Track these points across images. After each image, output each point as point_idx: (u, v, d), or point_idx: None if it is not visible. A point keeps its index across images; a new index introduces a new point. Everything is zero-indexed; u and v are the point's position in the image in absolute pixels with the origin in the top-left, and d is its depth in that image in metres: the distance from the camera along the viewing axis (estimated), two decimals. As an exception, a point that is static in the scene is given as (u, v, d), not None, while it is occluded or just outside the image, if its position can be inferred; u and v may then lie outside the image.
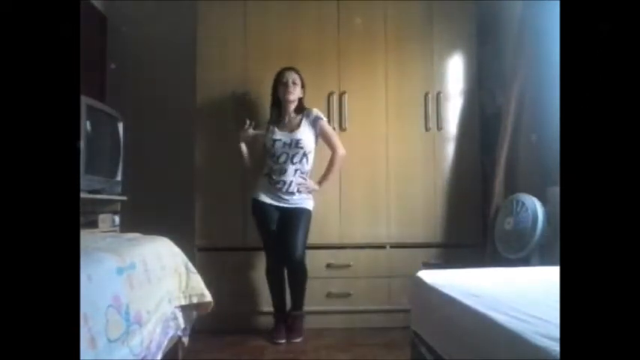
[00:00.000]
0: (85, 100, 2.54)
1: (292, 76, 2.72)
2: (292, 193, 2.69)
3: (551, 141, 2.58)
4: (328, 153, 2.80)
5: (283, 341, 2.61)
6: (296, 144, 2.67)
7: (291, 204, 2.70)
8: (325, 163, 2.80)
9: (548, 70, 2.63)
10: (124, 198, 2.95)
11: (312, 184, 2.75)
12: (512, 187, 2.82)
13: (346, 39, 3.06)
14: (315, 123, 2.74)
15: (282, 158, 2.68)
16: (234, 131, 2.81)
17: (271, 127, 2.75)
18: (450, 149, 3.08)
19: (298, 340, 2.63)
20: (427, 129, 3.05)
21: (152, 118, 3.51)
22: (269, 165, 2.74)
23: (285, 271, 2.69)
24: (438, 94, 3.07)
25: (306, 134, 2.71)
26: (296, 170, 2.69)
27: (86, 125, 2.56)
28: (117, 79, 3.53)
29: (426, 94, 3.06)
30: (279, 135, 2.70)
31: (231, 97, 2.99)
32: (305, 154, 2.71)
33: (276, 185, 2.69)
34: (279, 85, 2.73)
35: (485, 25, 3.24)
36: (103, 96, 3.38)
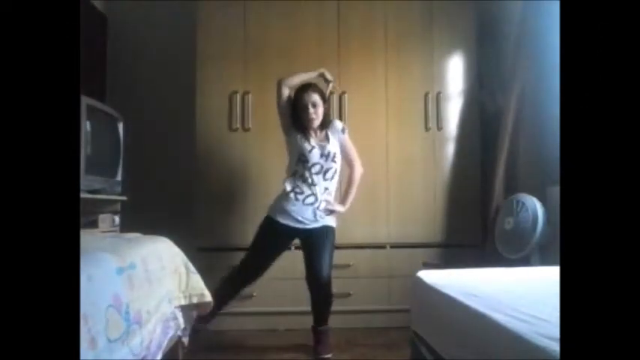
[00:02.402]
0: (85, 100, 2.54)
1: (312, 99, 2.44)
2: (320, 212, 2.47)
3: (551, 141, 2.59)
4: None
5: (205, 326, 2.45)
6: (332, 158, 2.46)
7: (315, 224, 2.47)
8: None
9: (548, 70, 2.63)
10: (124, 198, 2.95)
11: (337, 205, 2.55)
12: (512, 187, 2.82)
13: (346, 39, 3.06)
14: (340, 135, 2.54)
15: (316, 169, 2.45)
16: (234, 131, 2.81)
17: (300, 135, 2.48)
18: (450, 149, 3.08)
19: (329, 355, 2.44)
20: (427, 129, 3.05)
21: (152, 118, 3.51)
22: (299, 173, 2.47)
23: (310, 291, 2.51)
24: (438, 94, 3.07)
25: (336, 147, 2.50)
26: (326, 188, 2.49)
27: (86, 125, 2.56)
28: (117, 79, 3.52)
29: (426, 94, 3.06)
30: (314, 143, 2.46)
31: (231, 98, 2.99)
32: (336, 172, 2.52)
33: (305, 200, 2.44)
34: (300, 111, 2.46)
35: (485, 25, 3.24)
36: (103, 96, 3.37)
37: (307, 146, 2.45)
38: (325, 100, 2.56)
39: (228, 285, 2.53)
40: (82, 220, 2.52)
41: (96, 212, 2.71)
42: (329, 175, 2.49)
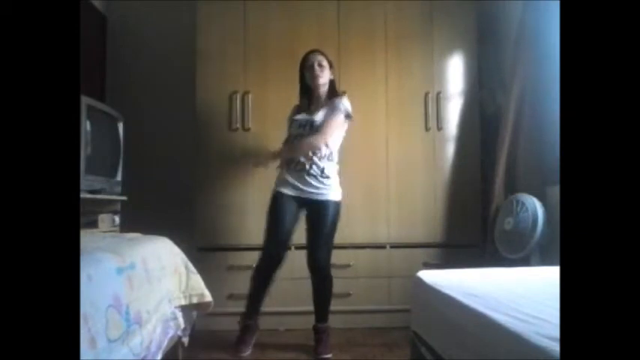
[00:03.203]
0: (85, 100, 2.54)
1: (317, 58, 2.52)
2: (314, 177, 2.46)
3: (551, 141, 2.58)
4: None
5: (248, 353, 2.43)
6: (311, 124, 2.48)
7: (314, 195, 2.46)
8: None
9: (548, 70, 2.63)
10: (124, 198, 2.95)
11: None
12: (512, 187, 2.82)
13: (346, 39, 3.06)
14: (331, 111, 2.49)
15: (297, 139, 2.50)
16: (234, 131, 2.80)
17: (296, 110, 2.61)
18: (450, 149, 3.08)
19: (329, 355, 2.42)
20: (427, 129, 3.05)
21: (152, 118, 3.51)
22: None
23: (311, 279, 2.51)
24: (438, 94, 3.07)
25: (321, 118, 2.48)
26: (313, 154, 2.47)
27: (86, 125, 2.56)
28: (117, 79, 3.52)
29: (426, 94, 3.06)
30: (297, 116, 2.56)
31: (231, 97, 2.99)
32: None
33: (296, 167, 2.48)
34: (305, 71, 2.55)
35: (485, 25, 3.24)
36: (103, 96, 3.37)
37: (289, 122, 2.55)
38: (332, 66, 2.59)
39: (261, 275, 2.50)
40: (82, 220, 2.52)
41: (96, 212, 2.71)
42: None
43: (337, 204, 2.52)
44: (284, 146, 2.60)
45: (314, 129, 2.47)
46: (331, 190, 2.50)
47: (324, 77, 2.53)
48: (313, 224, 2.51)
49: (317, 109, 2.53)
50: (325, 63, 2.54)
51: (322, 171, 2.48)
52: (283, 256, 2.51)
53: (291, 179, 2.49)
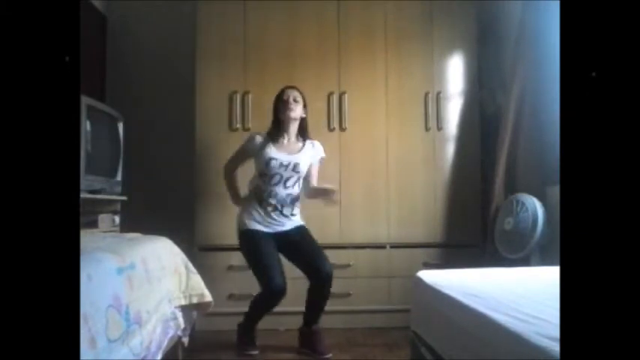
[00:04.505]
0: (85, 100, 2.54)
1: (293, 94, 2.54)
2: (286, 216, 2.53)
3: (551, 141, 2.58)
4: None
5: (256, 352, 2.47)
6: (293, 167, 2.49)
7: (290, 225, 2.54)
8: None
9: (548, 70, 2.63)
10: (124, 198, 2.95)
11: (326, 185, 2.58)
12: (512, 187, 2.82)
13: (346, 39, 3.06)
14: (316, 156, 2.61)
15: (275, 179, 2.49)
16: (234, 131, 2.81)
17: (268, 144, 2.52)
18: (450, 149, 3.08)
19: (329, 355, 2.42)
20: (427, 129, 3.05)
21: (152, 118, 3.51)
22: (259, 184, 2.53)
23: (310, 287, 2.49)
24: (438, 94, 3.07)
25: (305, 161, 2.55)
26: (288, 195, 2.52)
27: (86, 125, 2.56)
28: (117, 79, 3.52)
29: (426, 94, 3.06)
30: (275, 154, 2.49)
31: (231, 97, 2.99)
32: (299, 179, 2.56)
33: (267, 208, 2.49)
34: (279, 104, 2.55)
35: (485, 25, 3.25)
36: (103, 96, 3.37)
37: (264, 158, 2.48)
38: (305, 105, 2.59)
39: (271, 300, 2.43)
40: (82, 220, 2.52)
41: (96, 212, 2.71)
42: (290, 182, 2.53)
43: (305, 228, 2.60)
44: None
45: (295, 170, 2.50)
46: (298, 219, 2.60)
47: (297, 112, 2.54)
48: (298, 247, 2.52)
49: (292, 149, 2.55)
50: (300, 99, 2.56)
51: (292, 214, 2.56)
52: (284, 283, 2.39)
53: (262, 216, 2.51)
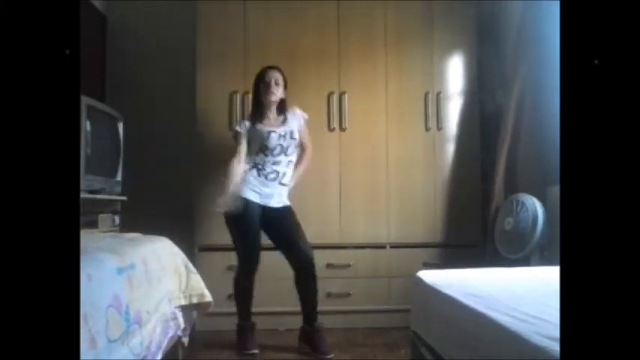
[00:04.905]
0: (85, 100, 2.54)
1: (275, 76, 2.54)
2: (284, 185, 2.56)
3: (551, 141, 2.58)
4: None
5: (257, 351, 2.48)
6: (290, 135, 2.55)
7: (278, 203, 2.54)
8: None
9: (548, 70, 2.63)
10: (124, 198, 2.95)
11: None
12: (512, 187, 2.82)
13: (346, 39, 3.06)
14: (301, 121, 2.63)
15: (277, 150, 2.52)
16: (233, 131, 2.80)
17: (257, 124, 2.54)
18: (450, 149, 3.08)
19: (331, 355, 2.41)
20: (427, 129, 3.05)
21: (152, 118, 3.51)
22: (260, 159, 2.53)
23: (295, 278, 2.50)
24: (438, 94, 3.07)
25: (296, 127, 2.59)
26: (289, 162, 2.57)
27: (86, 125, 2.56)
28: (117, 79, 3.52)
29: (426, 94, 3.06)
30: (270, 128, 2.53)
31: (231, 97, 2.99)
32: (296, 146, 2.61)
33: (268, 175, 2.51)
34: (261, 85, 2.56)
35: (486, 25, 3.24)
36: (103, 96, 3.37)
37: (263, 134, 2.51)
38: (286, 86, 2.60)
39: (246, 281, 2.54)
40: (82, 220, 2.52)
41: (96, 212, 2.71)
42: (290, 150, 2.57)
43: (293, 209, 2.61)
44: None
45: (292, 137, 2.56)
46: (286, 199, 2.60)
47: (278, 94, 2.56)
48: (283, 224, 2.54)
49: (278, 123, 2.58)
50: (281, 81, 2.57)
51: (285, 178, 2.57)
52: (259, 261, 2.52)
53: (258, 186, 2.51)
